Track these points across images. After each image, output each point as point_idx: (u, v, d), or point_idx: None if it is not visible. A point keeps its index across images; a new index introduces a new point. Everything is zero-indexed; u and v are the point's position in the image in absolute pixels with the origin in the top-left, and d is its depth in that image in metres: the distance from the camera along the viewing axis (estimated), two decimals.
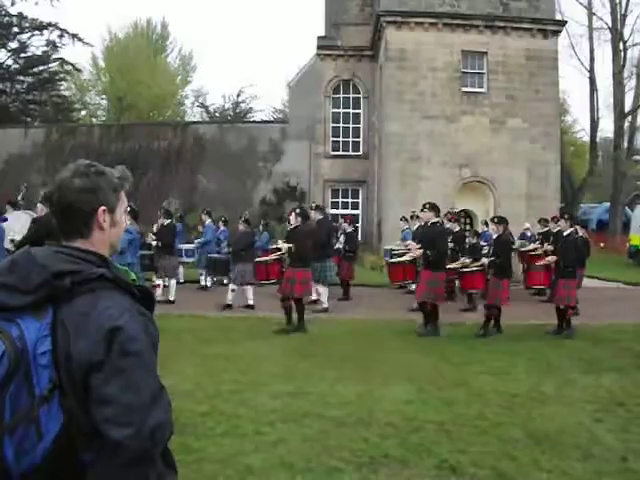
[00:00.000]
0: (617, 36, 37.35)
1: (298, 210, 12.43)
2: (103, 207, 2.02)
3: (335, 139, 31.72)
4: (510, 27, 26.12)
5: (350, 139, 31.86)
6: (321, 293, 14.58)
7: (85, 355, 1.76)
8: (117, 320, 1.80)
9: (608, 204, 40.94)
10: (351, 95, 31.82)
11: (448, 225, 15.74)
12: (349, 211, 30.49)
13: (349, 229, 17.02)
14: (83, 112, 52.28)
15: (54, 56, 43.45)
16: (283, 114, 49.34)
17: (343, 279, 16.48)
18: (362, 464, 5.38)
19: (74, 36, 41.57)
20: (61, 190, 1.98)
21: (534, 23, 26.20)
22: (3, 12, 40.55)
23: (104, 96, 51.90)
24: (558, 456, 5.58)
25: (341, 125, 31.79)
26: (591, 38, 39.40)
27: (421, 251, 12.08)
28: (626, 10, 37.92)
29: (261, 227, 20.03)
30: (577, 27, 58.00)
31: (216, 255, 16.87)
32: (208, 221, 18.12)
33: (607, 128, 79.49)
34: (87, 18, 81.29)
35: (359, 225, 30.35)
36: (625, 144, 38.96)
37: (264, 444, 5.79)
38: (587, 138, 44.84)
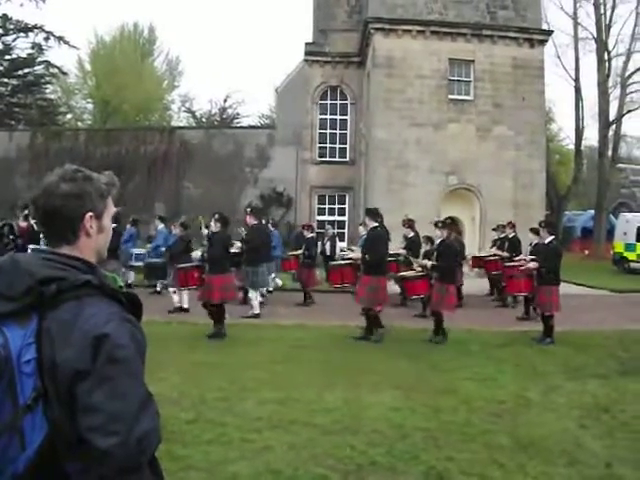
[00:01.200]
0: (602, 46, 37.58)
1: (217, 216, 12.35)
2: (90, 213, 2.00)
3: (322, 145, 31.71)
4: (497, 36, 26.29)
5: (337, 145, 31.87)
6: (251, 298, 14.56)
7: (71, 363, 1.73)
8: (103, 327, 1.77)
9: (593, 212, 41.12)
10: (338, 101, 31.82)
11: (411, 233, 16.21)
12: (335, 217, 30.57)
13: (308, 235, 16.94)
14: (69, 116, 51.90)
15: (40, 59, 43.19)
16: (270, 120, 49.31)
17: (304, 285, 16.59)
18: (349, 471, 5.39)
19: (60, 39, 41.24)
20: (47, 195, 1.95)
21: (521, 32, 26.39)
22: None
23: (90, 100, 51.45)
24: (544, 462, 5.62)
25: (328, 131, 31.79)
26: (576, 48, 39.61)
27: (359, 255, 12.15)
28: (611, 21, 38.18)
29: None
30: (563, 37, 58.54)
31: (153, 260, 16.93)
32: (160, 226, 18.11)
33: (592, 136, 79.46)
34: (73, 21, 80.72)
35: (345, 232, 30.40)
36: (609, 152, 39.14)
37: (251, 452, 5.78)
38: (572, 146, 44.99)
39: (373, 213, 12.25)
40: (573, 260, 31.66)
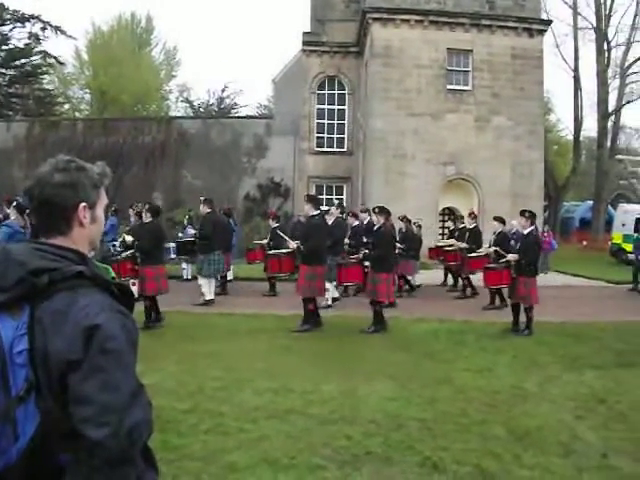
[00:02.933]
0: (601, 36, 37.47)
1: (147, 206, 12.30)
2: (84, 203, 1.99)
3: (320, 135, 31.72)
4: (496, 25, 26.27)
5: (335, 135, 31.89)
6: (201, 285, 14.63)
7: (63, 354, 1.73)
8: (95, 318, 1.77)
9: (591, 203, 41.13)
10: (336, 91, 31.81)
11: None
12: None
13: (273, 225, 16.61)
14: (66, 106, 51.72)
15: (37, 49, 43.17)
16: (268, 110, 49.30)
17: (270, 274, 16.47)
18: (345, 461, 5.38)
19: (57, 29, 41.36)
20: (41, 185, 1.94)
21: (520, 22, 26.37)
22: None
23: (87, 90, 51.38)
24: (540, 453, 5.61)
25: (326, 121, 31.79)
26: (576, 38, 39.51)
27: (295, 244, 12.14)
28: (610, 10, 38.05)
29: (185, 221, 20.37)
30: (562, 26, 58.32)
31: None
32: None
33: (591, 127, 79.85)
34: (71, 11, 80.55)
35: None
36: (608, 143, 39.12)
37: (247, 441, 5.78)
38: (571, 137, 45.00)
39: (314, 201, 11.99)
40: (571, 251, 31.72)
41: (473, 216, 17.08)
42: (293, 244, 12.41)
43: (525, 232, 11.96)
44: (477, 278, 14.97)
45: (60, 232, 1.97)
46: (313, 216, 11.71)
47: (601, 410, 6.98)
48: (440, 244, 18.66)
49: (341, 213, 16.14)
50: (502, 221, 14.50)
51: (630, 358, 9.55)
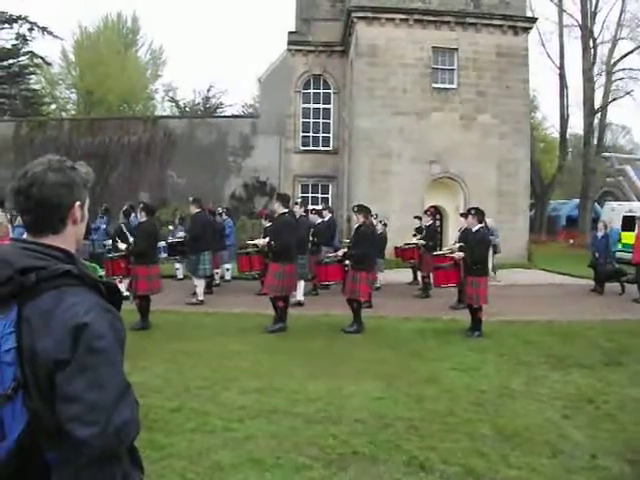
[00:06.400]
0: (587, 33, 37.60)
1: (141, 205, 12.27)
2: (78, 202, 2.03)
3: (305, 134, 31.66)
4: (481, 24, 26.27)
5: (320, 134, 31.83)
6: (196, 285, 14.69)
7: (50, 352, 1.73)
8: (83, 317, 1.77)
9: (577, 200, 41.27)
10: (321, 90, 31.77)
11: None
12: (319, 207, 30.54)
13: (266, 224, 16.58)
14: (53, 106, 51.93)
15: (24, 49, 43.34)
16: (253, 109, 49.24)
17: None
18: (331, 461, 5.37)
19: (44, 29, 41.61)
20: (37, 185, 1.94)
21: (505, 20, 26.38)
22: None
23: (74, 90, 51.58)
24: (527, 453, 5.58)
25: (311, 120, 31.73)
26: (561, 35, 39.69)
27: (265, 242, 12.06)
28: (596, 7, 38.21)
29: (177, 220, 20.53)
30: (547, 24, 58.43)
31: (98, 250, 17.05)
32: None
33: (577, 125, 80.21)
34: (58, 12, 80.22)
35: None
36: (595, 141, 39.29)
37: (233, 440, 5.79)
38: (557, 135, 45.20)
39: (283, 199, 11.94)
40: (557, 249, 31.85)
41: (429, 213, 17.08)
42: (262, 241, 12.36)
43: (474, 229, 11.66)
44: None
45: (53, 231, 1.98)
46: (282, 214, 11.69)
47: (589, 410, 6.95)
48: (408, 243, 18.62)
49: (305, 212, 16.14)
50: (467, 217, 14.50)
51: (618, 357, 9.53)
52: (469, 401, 7.18)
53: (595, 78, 38.59)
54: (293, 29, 31.92)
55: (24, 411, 1.75)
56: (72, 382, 1.73)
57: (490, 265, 13.86)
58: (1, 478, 1.75)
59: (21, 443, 1.75)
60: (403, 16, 25.91)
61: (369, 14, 25.92)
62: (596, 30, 38.83)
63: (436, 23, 26.16)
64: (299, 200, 15.75)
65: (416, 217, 18.87)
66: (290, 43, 31.11)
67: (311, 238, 15.51)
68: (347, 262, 12.11)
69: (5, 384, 1.74)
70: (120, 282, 13.57)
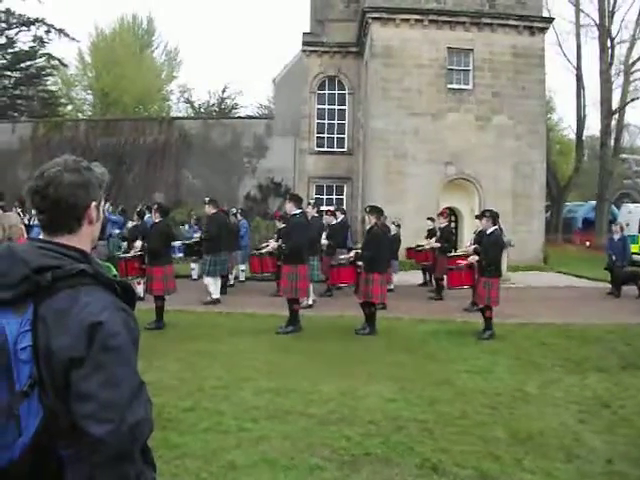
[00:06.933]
0: (604, 33, 37.22)
1: (155, 206, 12.38)
2: (94, 202, 2.06)
3: (320, 135, 31.64)
4: (496, 24, 26.14)
5: (335, 135, 31.81)
6: (207, 284, 14.75)
7: (66, 351, 1.75)
8: (98, 315, 1.79)
9: (594, 203, 40.94)
10: (336, 91, 31.75)
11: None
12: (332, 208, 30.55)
13: (280, 226, 16.52)
14: (69, 107, 52.23)
15: (41, 51, 43.77)
16: (268, 110, 49.27)
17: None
18: (344, 462, 5.36)
19: (60, 31, 41.96)
20: (53, 185, 1.96)
21: (521, 20, 26.23)
22: None
23: (90, 91, 51.80)
24: (542, 457, 5.52)
25: (326, 121, 31.72)
26: (578, 35, 39.38)
27: (276, 245, 12.07)
28: (614, 7, 37.83)
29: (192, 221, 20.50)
30: (564, 24, 57.95)
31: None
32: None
33: (594, 126, 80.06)
34: (74, 14, 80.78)
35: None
36: (612, 142, 38.83)
37: (247, 441, 5.79)
38: (573, 136, 44.87)
39: (295, 200, 11.94)
40: (574, 251, 31.64)
41: (445, 215, 17.01)
42: (273, 245, 12.36)
43: (488, 232, 11.65)
44: None
45: (69, 230, 2.00)
46: (294, 215, 11.67)
47: (605, 414, 6.87)
48: (420, 244, 18.55)
49: (317, 212, 16.12)
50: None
51: (635, 361, 9.42)
52: (483, 404, 7.13)
53: (613, 78, 38.22)
54: (308, 30, 31.95)
55: (40, 408, 1.76)
56: (87, 380, 1.74)
57: (504, 267, 13.77)
58: (16, 475, 1.77)
59: (37, 440, 1.76)
60: (418, 17, 25.84)
61: (384, 15, 25.87)
62: (614, 30, 38.49)
63: (451, 24, 26.07)
64: (311, 201, 15.74)
65: (429, 219, 18.82)
66: (305, 44, 31.12)
67: (326, 240, 15.49)
68: (359, 264, 12.08)
69: (22, 381, 1.75)
70: (138, 284, 13.64)
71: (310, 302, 14.27)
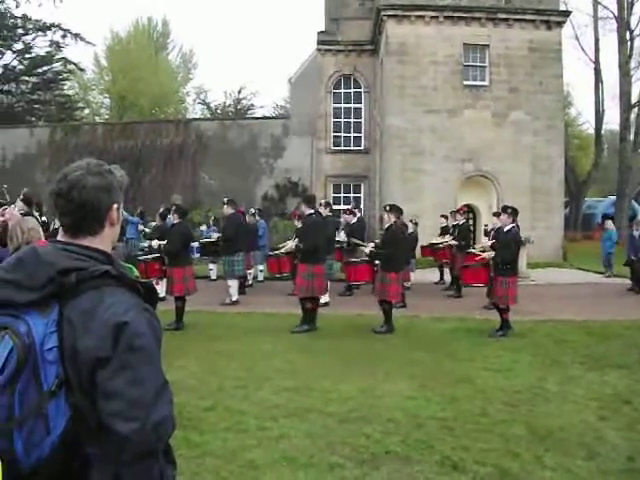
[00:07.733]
0: (623, 25, 36.77)
1: (174, 207, 12.47)
2: (116, 205, 2.09)
3: (337, 134, 31.71)
4: (512, 19, 26.02)
5: (352, 134, 31.87)
6: (230, 286, 14.77)
7: (91, 351, 1.79)
8: (123, 316, 1.83)
9: (614, 198, 40.55)
10: (352, 90, 31.79)
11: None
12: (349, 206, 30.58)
13: (299, 225, 16.52)
14: (86, 111, 52.72)
15: (57, 56, 44.37)
16: (284, 110, 49.34)
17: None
18: (364, 460, 5.35)
19: (77, 36, 42.67)
20: (77, 188, 1.99)
21: (537, 14, 26.09)
22: (8, 14, 41.47)
23: (107, 95, 52.11)
24: (562, 454, 5.48)
25: (342, 120, 31.78)
26: (596, 28, 39.03)
27: (292, 245, 12.05)
28: None
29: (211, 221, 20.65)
30: (581, 17, 57.54)
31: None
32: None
33: (613, 120, 79.27)
34: (90, 18, 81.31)
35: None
36: (631, 136, 38.29)
37: (267, 439, 5.82)
38: (592, 131, 44.50)
39: (308, 200, 11.99)
40: (593, 248, 31.35)
41: (461, 212, 17.03)
42: (290, 245, 12.40)
43: (505, 229, 11.48)
44: None
45: (92, 233, 2.03)
46: (310, 215, 11.70)
47: (626, 411, 6.80)
48: (434, 242, 18.46)
49: (330, 212, 16.10)
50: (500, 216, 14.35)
51: None
52: (503, 401, 7.09)
53: (632, 72, 37.78)
54: (323, 29, 31.94)
55: (67, 407, 1.79)
56: (113, 379, 1.78)
57: (523, 264, 13.68)
58: (45, 472, 1.79)
59: (64, 438, 1.79)
60: (433, 13, 25.81)
61: (399, 12, 25.87)
62: (633, 22, 37.99)
63: (466, 19, 26.00)
64: (322, 201, 15.74)
65: (442, 216, 18.76)
66: (320, 43, 31.17)
67: (345, 238, 15.52)
68: (376, 262, 12.07)
69: (49, 382, 1.78)
70: (157, 284, 13.70)
71: (327, 300, 14.26)
